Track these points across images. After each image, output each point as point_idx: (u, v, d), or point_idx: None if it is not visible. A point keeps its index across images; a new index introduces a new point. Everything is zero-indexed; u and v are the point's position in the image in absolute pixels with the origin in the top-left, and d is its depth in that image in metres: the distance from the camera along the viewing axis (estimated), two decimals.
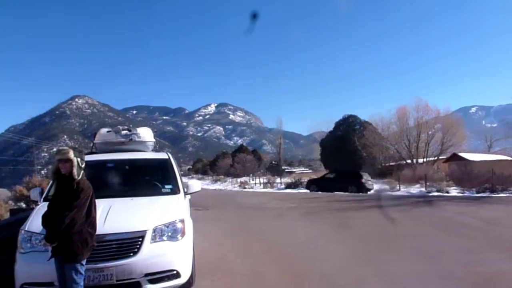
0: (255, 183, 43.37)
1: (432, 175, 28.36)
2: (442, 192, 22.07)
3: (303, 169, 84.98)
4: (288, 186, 34.19)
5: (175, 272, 4.54)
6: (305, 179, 34.01)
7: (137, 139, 7.05)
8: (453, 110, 61.18)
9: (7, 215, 12.75)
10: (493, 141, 63.83)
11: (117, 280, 4.24)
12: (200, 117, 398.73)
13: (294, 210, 14.87)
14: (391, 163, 43.67)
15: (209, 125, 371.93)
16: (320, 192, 26.38)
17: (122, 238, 4.35)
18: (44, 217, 3.93)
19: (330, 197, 21.82)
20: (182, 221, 4.87)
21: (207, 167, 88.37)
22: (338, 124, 58.59)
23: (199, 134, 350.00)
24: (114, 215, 4.56)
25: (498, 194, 19.57)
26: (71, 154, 3.94)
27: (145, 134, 7.26)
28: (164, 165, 6.40)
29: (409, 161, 40.67)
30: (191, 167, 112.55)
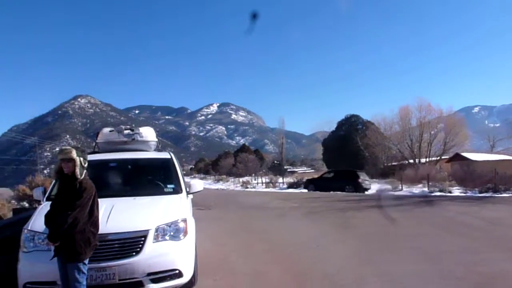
0: (257, 183, 43.32)
1: (434, 175, 28.28)
2: (444, 192, 22.00)
3: (305, 169, 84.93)
4: (290, 186, 34.15)
5: (177, 271, 4.55)
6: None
7: (139, 138, 7.06)
8: (456, 110, 61.15)
9: (10, 215, 12.77)
10: (496, 141, 63.65)
11: (119, 280, 4.25)
12: (203, 117, 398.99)
13: (296, 210, 14.86)
14: (393, 163, 43.59)
15: (211, 125, 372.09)
16: (319, 192, 26.31)
17: (124, 237, 4.37)
18: (47, 216, 3.94)
19: (332, 197, 21.79)
20: (185, 220, 4.88)
21: (209, 167, 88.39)
22: (341, 124, 58.59)
23: (201, 134, 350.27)
24: (116, 215, 4.57)
25: (501, 194, 19.51)
26: (74, 153, 3.95)
27: (148, 133, 7.28)
28: (166, 164, 6.41)
29: (411, 161, 40.59)
30: (193, 166, 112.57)
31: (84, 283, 3.89)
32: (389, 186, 28.04)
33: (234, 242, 8.59)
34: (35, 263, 4.27)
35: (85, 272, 3.91)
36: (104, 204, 4.54)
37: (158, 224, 4.60)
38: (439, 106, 44.25)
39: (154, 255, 4.41)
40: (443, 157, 41.03)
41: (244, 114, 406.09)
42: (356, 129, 54.34)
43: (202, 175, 78.14)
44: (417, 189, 25.72)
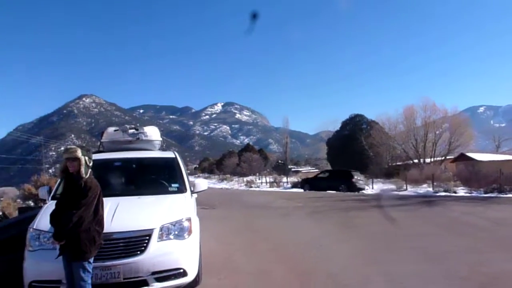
0: (262, 182, 43.34)
1: (439, 175, 28.21)
2: (449, 192, 21.93)
3: (309, 168, 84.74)
4: (295, 185, 34.16)
5: (181, 270, 4.56)
6: None
7: (144, 138, 7.08)
8: (461, 110, 60.73)
9: (15, 214, 12.85)
10: (501, 141, 63.44)
11: (124, 278, 4.27)
12: (207, 116, 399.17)
13: (300, 209, 14.86)
14: (398, 163, 43.51)
15: (215, 124, 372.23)
16: (321, 192, 26.27)
17: (129, 236, 4.38)
18: (52, 215, 3.96)
19: (336, 196, 21.78)
20: (189, 219, 4.90)
21: (213, 166, 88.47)
22: (345, 124, 58.49)
23: (205, 133, 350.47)
24: (121, 214, 4.59)
25: (506, 194, 19.42)
26: (79, 152, 3.97)
27: (152, 133, 7.30)
28: (171, 164, 6.43)
29: (416, 160, 40.49)
30: (197, 166, 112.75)
31: (89, 281, 3.91)
32: (393, 186, 27.98)
33: (238, 241, 8.60)
34: (40, 261, 4.29)
35: (90, 270, 3.93)
36: (109, 203, 4.56)
37: (162, 223, 4.62)
38: (444, 106, 44.27)
39: (158, 254, 4.43)
40: (448, 157, 40.90)
41: (248, 113, 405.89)
42: (361, 128, 54.24)
43: (206, 175, 78.27)
44: (422, 189, 25.65)
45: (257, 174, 57.89)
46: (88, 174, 3.99)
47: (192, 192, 5.96)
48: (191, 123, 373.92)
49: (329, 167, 53.44)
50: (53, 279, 4.22)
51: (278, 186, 37.23)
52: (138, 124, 7.56)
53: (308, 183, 30.36)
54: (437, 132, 41.44)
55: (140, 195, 5.44)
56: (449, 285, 5.16)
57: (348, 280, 5.46)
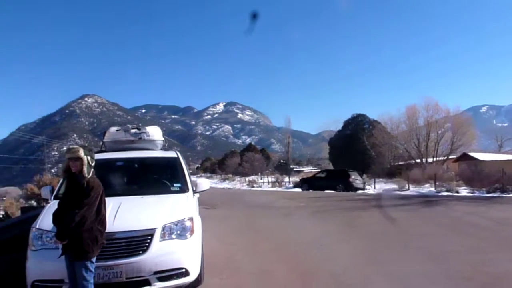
0: (264, 182, 43.32)
1: (441, 175, 28.14)
2: (451, 192, 21.87)
3: (311, 168, 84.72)
4: (297, 185, 34.17)
5: (184, 270, 4.56)
6: None
7: (146, 137, 7.09)
8: (463, 110, 60.87)
9: (18, 213, 12.88)
10: (503, 140, 63.38)
11: (126, 278, 4.27)
12: (209, 116, 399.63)
13: (302, 209, 14.85)
14: (400, 163, 43.41)
15: (217, 124, 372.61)
16: (324, 191, 26.36)
17: (131, 236, 4.39)
18: (55, 215, 3.97)
19: (338, 196, 21.78)
20: (191, 219, 4.90)
21: (215, 166, 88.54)
22: (347, 123, 58.34)
23: (207, 133, 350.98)
24: (123, 213, 4.60)
25: (509, 194, 19.36)
26: (81, 152, 3.97)
27: (154, 132, 7.31)
28: (173, 163, 6.43)
29: (418, 160, 40.40)
30: (199, 165, 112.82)
31: (92, 281, 3.91)
32: (395, 186, 27.93)
33: (240, 241, 8.60)
34: (43, 261, 4.30)
35: (93, 270, 3.93)
36: (111, 203, 4.56)
37: (164, 222, 4.62)
38: (446, 106, 44.14)
39: (160, 253, 4.43)
40: (450, 157, 40.81)
41: (250, 113, 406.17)
42: (363, 128, 54.09)
43: (208, 174, 78.34)
44: (424, 189, 25.61)
45: (259, 174, 57.88)
46: (90, 174, 3.99)
47: (194, 191, 5.97)
48: (193, 123, 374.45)
49: (331, 167, 53.42)
50: (55, 279, 4.23)
51: (280, 186, 37.21)
52: (140, 124, 7.56)
53: (306, 183, 30.79)
54: (440, 132, 41.32)
55: (142, 194, 5.44)
56: (452, 285, 5.15)
57: (350, 280, 5.45)
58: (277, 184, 38.46)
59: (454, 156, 40.65)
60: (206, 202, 14.43)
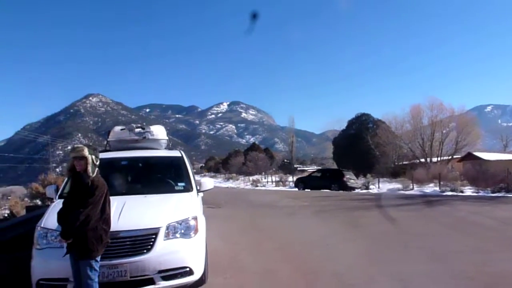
0: (267, 181, 43.36)
1: (446, 175, 28.07)
2: (456, 192, 21.82)
3: (315, 167, 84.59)
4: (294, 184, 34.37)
5: (188, 269, 4.57)
6: None
7: (150, 137, 7.10)
8: (468, 109, 60.65)
9: (23, 212, 12.95)
10: (509, 140, 62.93)
11: (130, 277, 4.28)
12: (213, 115, 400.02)
13: (306, 209, 14.84)
14: (404, 162, 43.34)
15: (221, 123, 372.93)
16: (336, 191, 26.42)
17: (136, 235, 4.40)
18: (60, 214, 3.99)
19: (341, 196, 21.78)
20: (195, 218, 4.91)
21: (219, 165, 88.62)
22: (351, 123, 58.25)
23: (211, 132, 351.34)
24: (128, 212, 4.61)
25: None
26: (86, 151, 3.99)
27: (158, 132, 7.31)
28: (177, 162, 6.45)
29: (423, 160, 40.29)
30: (203, 165, 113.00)
31: (96, 280, 3.93)
32: (399, 186, 27.88)
33: (244, 240, 8.61)
34: (48, 260, 4.32)
35: (97, 269, 3.94)
36: (116, 202, 4.58)
37: (169, 221, 4.63)
38: (451, 105, 43.99)
39: (165, 252, 4.44)
40: (455, 157, 40.69)
41: (254, 112, 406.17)
42: (367, 128, 53.98)
43: (212, 174, 78.42)
44: (428, 188, 25.54)
45: (263, 173, 57.94)
46: (95, 173, 4.00)
47: (198, 191, 5.97)
48: (197, 122, 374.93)
49: (335, 166, 53.38)
50: (60, 277, 4.24)
51: (284, 185, 37.24)
52: (144, 123, 7.57)
53: (302, 182, 31.32)
54: (444, 131, 41.17)
55: (146, 194, 5.45)
56: (456, 285, 5.13)
57: (354, 279, 5.44)
58: (281, 183, 38.50)
59: (459, 156, 40.51)
60: (210, 201, 14.45)
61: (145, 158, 6.67)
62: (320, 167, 56.35)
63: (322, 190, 27.01)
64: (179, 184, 5.98)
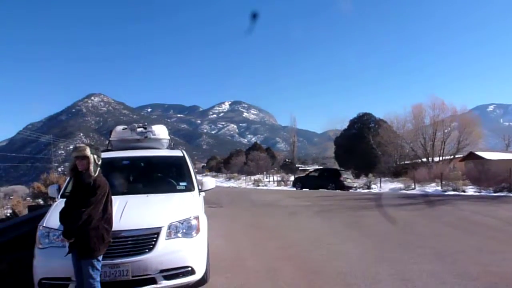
0: (269, 181, 43.36)
1: (448, 174, 28.00)
2: (458, 191, 21.75)
3: (317, 167, 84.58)
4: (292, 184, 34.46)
5: (189, 268, 4.57)
6: None
7: (152, 136, 7.10)
8: (470, 108, 60.40)
9: (25, 212, 12.97)
10: (511, 139, 62.74)
11: (132, 276, 4.28)
12: (214, 115, 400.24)
13: (307, 208, 14.83)
14: (406, 162, 43.16)
15: (223, 123, 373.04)
16: (335, 191, 26.42)
17: (137, 234, 4.40)
18: (62, 213, 3.99)
19: (344, 195, 21.76)
20: (197, 218, 4.91)
21: (221, 165, 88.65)
22: (353, 122, 58.08)
23: (213, 132, 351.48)
24: (129, 212, 4.61)
25: None
26: (88, 151, 3.99)
27: (160, 131, 7.32)
28: (179, 162, 6.45)
29: (424, 159, 40.16)
30: (205, 164, 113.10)
31: (98, 279, 3.93)
32: (401, 185, 27.83)
33: (246, 240, 8.61)
34: (50, 259, 4.32)
35: (99, 268, 3.95)
36: (118, 201, 4.58)
37: (170, 221, 4.63)
38: (453, 105, 43.76)
39: (166, 252, 4.44)
40: (456, 156, 40.56)
41: (255, 112, 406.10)
42: (369, 127, 53.83)
43: (214, 173, 78.47)
44: (430, 188, 25.47)
45: (265, 172, 57.93)
46: (97, 173, 4.01)
47: (200, 190, 5.97)
48: (199, 121, 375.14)
49: (336, 166, 53.29)
50: (62, 277, 4.25)
51: (286, 184, 37.23)
52: (146, 123, 7.57)
53: (300, 182, 31.73)
54: (446, 131, 41.02)
55: (148, 193, 5.46)
56: (459, 285, 5.11)
57: (357, 279, 5.43)
58: (282, 183, 38.49)
59: (461, 155, 40.39)
60: (212, 200, 14.47)
61: (147, 157, 6.68)
62: (321, 167, 56.24)
63: (319, 190, 27.24)
64: (180, 183, 5.98)
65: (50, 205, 5.73)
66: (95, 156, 4.04)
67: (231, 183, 47.64)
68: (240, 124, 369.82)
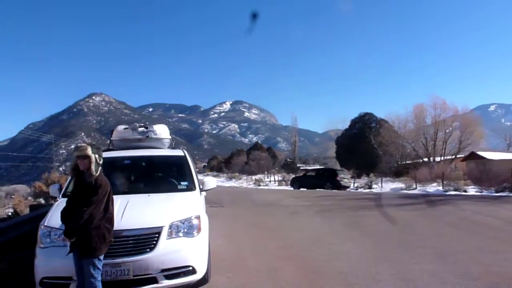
0: (270, 181, 43.38)
1: (449, 174, 27.94)
2: (459, 191, 21.72)
3: (318, 166, 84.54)
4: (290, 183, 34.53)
5: (191, 268, 4.57)
6: None
7: (153, 136, 7.11)
8: (472, 108, 60.25)
9: (27, 211, 13.00)
10: None
11: (133, 275, 4.29)
12: (215, 115, 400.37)
13: (308, 208, 14.82)
14: (407, 162, 43.11)
15: (224, 123, 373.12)
16: (335, 191, 26.43)
17: (139, 234, 4.41)
18: (63, 212, 3.99)
19: (344, 195, 21.76)
20: (198, 217, 4.91)
21: (222, 165, 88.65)
22: (354, 122, 58.05)
23: (214, 132, 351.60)
24: (131, 211, 4.62)
25: None
26: (89, 150, 4.00)
27: (161, 131, 7.33)
28: (180, 161, 6.46)
29: (426, 159, 40.11)
30: (206, 164, 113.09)
31: (99, 278, 3.94)
32: (402, 185, 27.82)
33: (247, 239, 8.61)
34: (51, 258, 4.33)
35: (100, 267, 3.96)
36: (119, 201, 4.59)
37: (172, 220, 4.64)
38: (454, 104, 43.62)
39: (167, 251, 4.44)
40: (458, 156, 40.50)
41: (256, 112, 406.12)
42: (370, 127, 53.79)
43: (215, 173, 78.51)
44: (432, 188, 25.46)
45: (266, 172, 57.94)
46: (98, 172, 4.01)
47: (201, 190, 5.98)
48: (200, 121, 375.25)
49: (338, 166, 53.25)
50: (64, 276, 4.26)
51: (287, 184, 37.21)
52: (147, 123, 7.58)
53: (298, 181, 32.07)
54: (447, 131, 40.94)
55: (149, 193, 5.46)
56: (460, 285, 5.10)
57: (357, 279, 5.42)
58: (283, 182, 38.50)
59: (462, 155, 40.34)
60: (213, 200, 14.47)
61: (148, 157, 6.68)
62: (322, 167, 56.21)
63: (317, 189, 27.36)
64: (182, 183, 5.98)
65: (52, 205, 5.74)
66: (97, 156, 4.04)
67: (232, 183, 47.67)
68: (241, 124, 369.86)
